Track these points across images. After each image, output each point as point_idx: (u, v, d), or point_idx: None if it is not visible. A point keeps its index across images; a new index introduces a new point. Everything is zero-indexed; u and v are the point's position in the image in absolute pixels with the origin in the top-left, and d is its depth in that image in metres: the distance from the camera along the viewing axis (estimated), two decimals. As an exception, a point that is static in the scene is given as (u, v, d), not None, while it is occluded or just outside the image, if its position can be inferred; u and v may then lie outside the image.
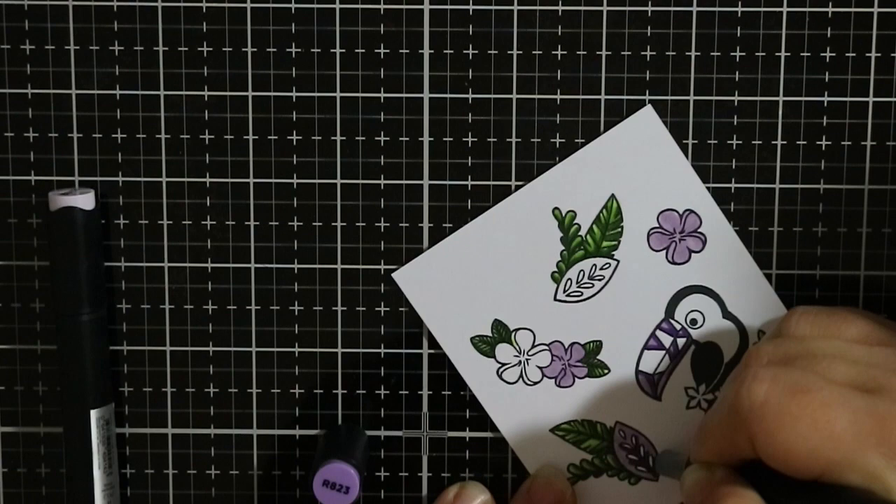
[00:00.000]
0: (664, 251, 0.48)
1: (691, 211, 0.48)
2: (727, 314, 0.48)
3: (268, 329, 0.49)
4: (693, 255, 0.48)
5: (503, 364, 0.49)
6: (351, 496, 0.46)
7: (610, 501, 0.50)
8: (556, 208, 0.48)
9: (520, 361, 0.49)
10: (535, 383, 0.49)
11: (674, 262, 0.48)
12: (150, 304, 0.49)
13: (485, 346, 0.49)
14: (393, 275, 0.49)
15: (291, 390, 0.50)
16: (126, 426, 0.50)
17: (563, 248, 0.48)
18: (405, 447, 0.50)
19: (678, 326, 0.49)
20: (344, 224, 0.49)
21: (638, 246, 0.48)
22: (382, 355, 0.49)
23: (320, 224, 0.49)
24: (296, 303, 0.49)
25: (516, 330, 0.49)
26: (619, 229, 0.48)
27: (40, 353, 0.50)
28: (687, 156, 0.48)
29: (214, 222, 0.49)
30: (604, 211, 0.48)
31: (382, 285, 0.49)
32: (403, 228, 0.49)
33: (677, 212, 0.48)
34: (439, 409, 0.50)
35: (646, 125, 0.48)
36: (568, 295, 0.48)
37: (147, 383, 0.50)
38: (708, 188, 0.48)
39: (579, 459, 0.49)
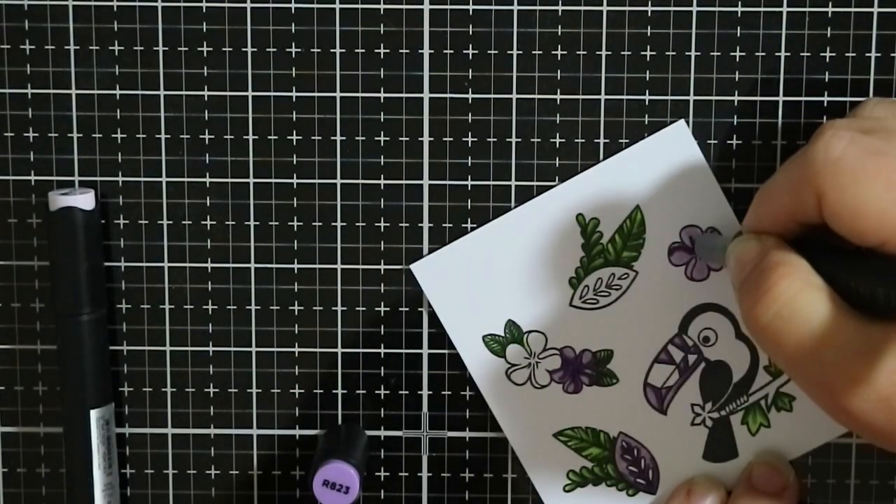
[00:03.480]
0: (683, 266, 0.48)
1: (714, 229, 0.48)
2: (740, 335, 0.48)
3: (268, 329, 0.49)
4: (712, 272, 0.48)
5: (513, 365, 0.49)
6: (351, 496, 0.46)
7: None
8: (581, 214, 0.48)
9: (530, 364, 0.49)
10: (543, 387, 0.49)
11: (692, 279, 0.48)
12: (150, 304, 0.49)
13: (496, 345, 0.49)
14: (411, 266, 0.48)
15: (291, 390, 0.50)
16: (126, 426, 0.50)
17: (583, 254, 0.48)
18: (405, 447, 0.50)
19: (690, 343, 0.48)
20: (344, 224, 0.49)
21: (658, 259, 0.48)
22: (382, 355, 0.49)
23: (320, 224, 0.49)
24: (296, 303, 0.49)
25: (529, 332, 0.49)
26: (641, 241, 0.48)
27: (40, 353, 0.50)
28: (687, 156, 0.48)
29: (214, 222, 0.49)
30: (627, 221, 0.48)
31: (382, 285, 0.49)
32: (403, 228, 0.49)
33: (700, 228, 0.48)
34: (439, 409, 0.50)
35: (677, 140, 0.47)
36: (584, 301, 0.48)
37: (147, 383, 0.50)
38: (708, 188, 0.48)
39: (579, 467, 0.49)
